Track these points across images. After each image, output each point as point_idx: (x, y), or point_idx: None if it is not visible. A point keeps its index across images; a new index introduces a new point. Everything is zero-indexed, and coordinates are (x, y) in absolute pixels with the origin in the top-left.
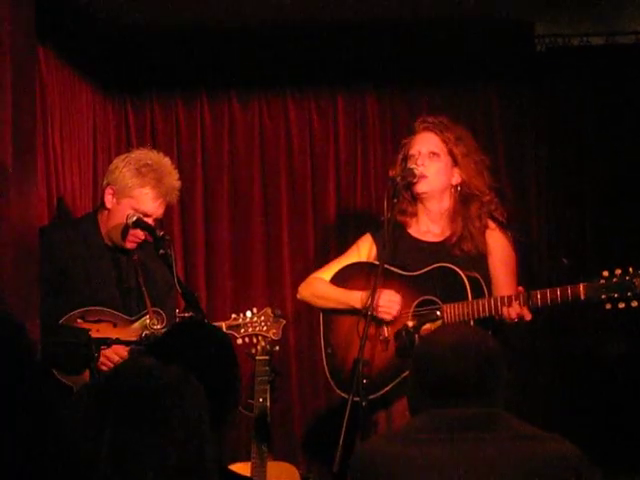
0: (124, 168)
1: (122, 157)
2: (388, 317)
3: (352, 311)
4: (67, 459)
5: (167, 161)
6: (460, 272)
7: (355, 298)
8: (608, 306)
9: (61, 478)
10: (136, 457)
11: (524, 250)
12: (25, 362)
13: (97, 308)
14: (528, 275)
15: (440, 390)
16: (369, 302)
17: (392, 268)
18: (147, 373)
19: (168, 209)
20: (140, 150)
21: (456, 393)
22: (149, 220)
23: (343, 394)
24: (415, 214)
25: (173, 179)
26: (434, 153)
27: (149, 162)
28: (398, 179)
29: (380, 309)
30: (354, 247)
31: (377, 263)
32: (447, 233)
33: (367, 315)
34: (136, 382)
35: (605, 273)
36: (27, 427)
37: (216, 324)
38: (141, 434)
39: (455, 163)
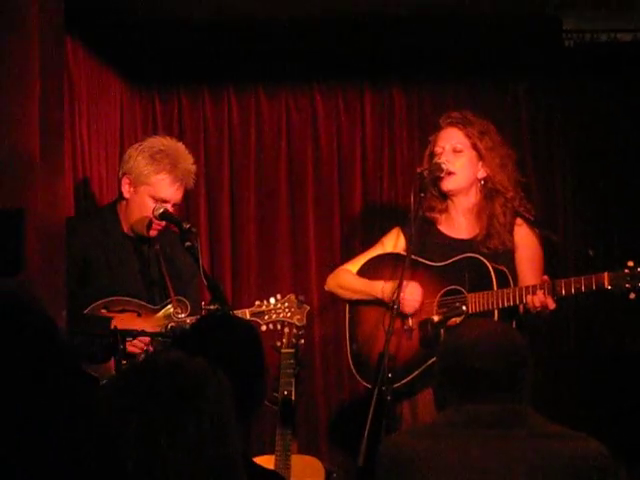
0: (138, 156)
1: (135, 146)
2: (409, 310)
3: (377, 303)
4: (96, 452)
5: (180, 145)
6: (487, 262)
7: (377, 288)
8: (632, 296)
9: (89, 470)
10: (162, 451)
11: (551, 246)
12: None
13: (121, 298)
14: (554, 270)
15: (467, 386)
16: (395, 295)
17: (419, 259)
18: (174, 367)
19: (195, 199)
20: (152, 137)
21: (483, 389)
22: (168, 206)
23: (368, 385)
24: (445, 210)
25: (188, 163)
26: (457, 149)
27: (162, 148)
28: (425, 173)
29: (403, 302)
30: (379, 242)
31: (404, 254)
32: (475, 230)
33: (392, 308)
34: (163, 376)
35: (630, 263)
36: (62, 418)
37: (240, 311)
38: (168, 427)
39: (480, 157)
